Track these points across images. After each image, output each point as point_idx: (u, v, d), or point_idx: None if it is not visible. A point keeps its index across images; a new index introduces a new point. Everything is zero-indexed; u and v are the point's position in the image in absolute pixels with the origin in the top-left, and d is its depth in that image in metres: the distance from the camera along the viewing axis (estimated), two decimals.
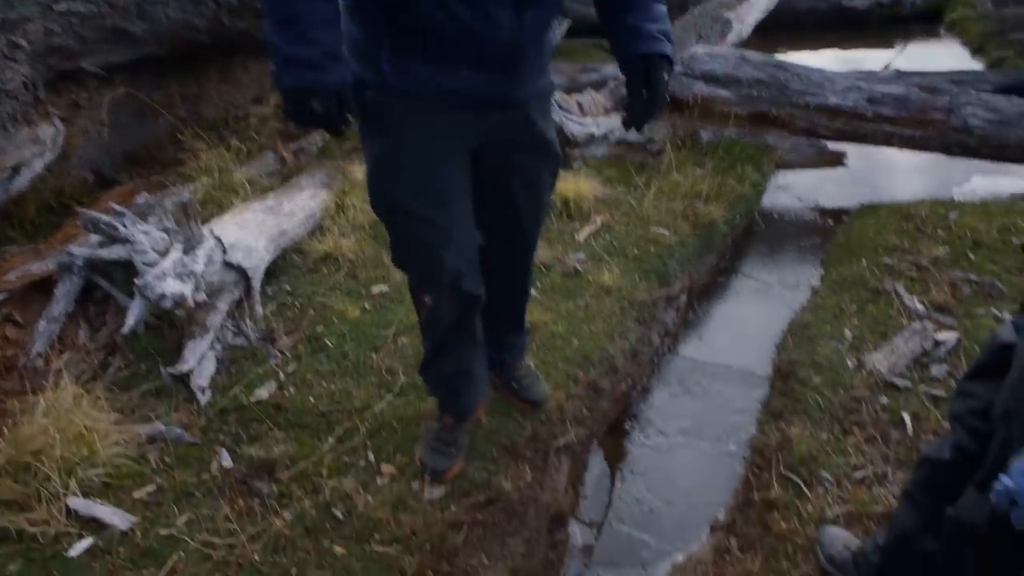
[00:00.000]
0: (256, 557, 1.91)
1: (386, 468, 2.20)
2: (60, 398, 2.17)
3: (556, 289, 3.04)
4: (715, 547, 2.24)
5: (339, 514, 2.04)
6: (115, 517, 1.98)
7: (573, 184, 3.59)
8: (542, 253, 3.21)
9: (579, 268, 3.14)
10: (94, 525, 1.96)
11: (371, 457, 2.21)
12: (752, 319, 3.43)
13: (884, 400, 2.58)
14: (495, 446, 2.33)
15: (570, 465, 2.50)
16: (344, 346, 2.60)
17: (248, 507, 2.04)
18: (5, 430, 2.09)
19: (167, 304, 2.22)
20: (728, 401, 2.98)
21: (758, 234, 4.07)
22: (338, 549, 1.95)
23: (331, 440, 2.24)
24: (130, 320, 2.35)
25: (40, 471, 2.01)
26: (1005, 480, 1.05)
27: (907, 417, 2.49)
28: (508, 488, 2.22)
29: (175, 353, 2.50)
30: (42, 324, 2.42)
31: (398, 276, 2.91)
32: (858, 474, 2.32)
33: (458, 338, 2.07)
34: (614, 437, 2.84)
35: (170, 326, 2.59)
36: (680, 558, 2.37)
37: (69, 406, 2.16)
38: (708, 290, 3.61)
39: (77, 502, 1.99)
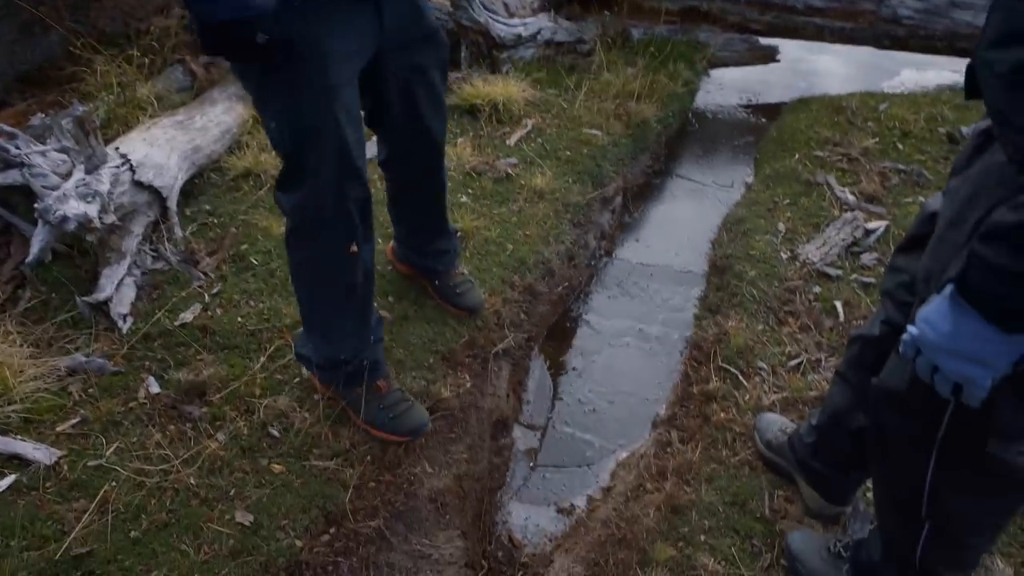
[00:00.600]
0: (192, 480, 1.85)
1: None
2: None
3: (488, 195, 2.97)
4: (657, 440, 2.29)
5: (275, 432, 1.99)
6: (38, 452, 1.88)
7: (502, 88, 3.47)
8: (471, 159, 3.12)
9: (510, 172, 3.07)
10: (16, 462, 1.87)
11: (305, 373, 2.15)
12: (688, 219, 3.43)
13: (817, 290, 2.63)
14: (432, 355, 2.29)
15: (511, 370, 2.50)
16: (270, 263, 2.50)
17: (180, 432, 1.98)
18: None
19: (71, 227, 2.07)
20: (666, 300, 3.01)
21: (692, 134, 4.03)
22: (276, 467, 1.91)
23: (262, 359, 2.17)
24: (34, 248, 2.20)
25: None
26: (911, 329, 1.05)
27: (839, 305, 2.54)
28: (447, 396, 2.20)
29: (91, 282, 2.36)
30: None
31: None
32: (793, 362, 2.38)
33: (357, 283, 1.89)
34: (554, 341, 2.85)
35: (82, 253, 2.43)
36: (623, 455, 2.42)
37: None
38: (643, 192, 3.59)
39: None
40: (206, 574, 1.66)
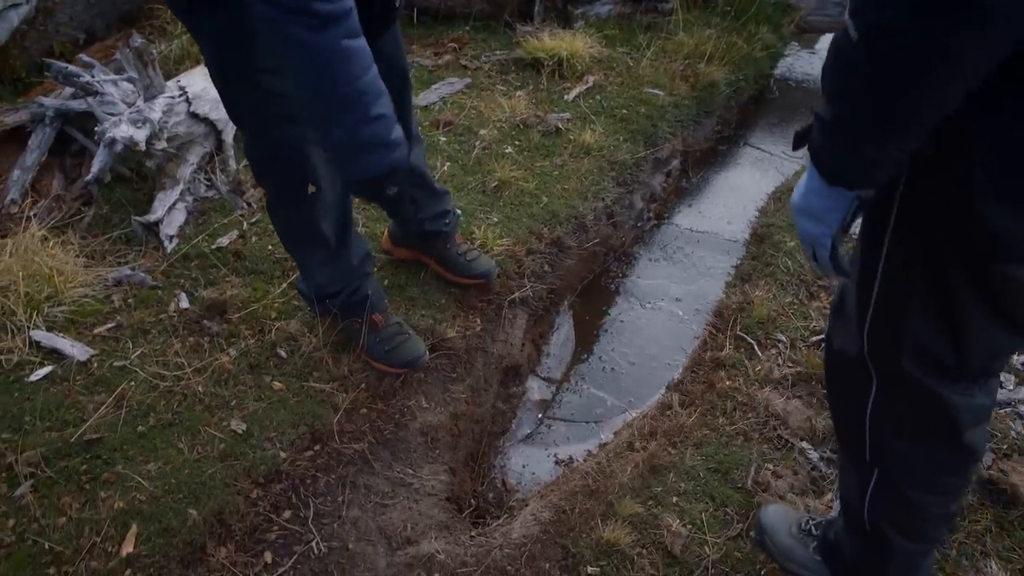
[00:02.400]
0: (199, 388, 2.00)
1: None
2: (28, 241, 2.27)
3: (533, 147, 2.96)
4: (659, 402, 2.26)
5: (283, 353, 2.11)
6: (74, 349, 2.09)
7: (568, 43, 3.43)
8: (524, 112, 3.12)
9: (560, 127, 3.05)
10: (55, 356, 2.08)
11: (315, 310, 2.25)
12: (748, 189, 3.30)
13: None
14: (445, 296, 2.34)
15: (527, 320, 2.52)
16: None
17: (198, 344, 2.13)
18: None
19: (118, 149, 2.25)
20: (709, 268, 2.92)
21: (770, 102, 3.85)
22: (277, 384, 2.03)
23: (283, 286, 2.30)
24: (94, 168, 2.40)
25: (7, 306, 2.12)
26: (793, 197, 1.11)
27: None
28: (453, 336, 2.25)
29: (147, 204, 2.56)
30: (16, 173, 2.50)
31: None
32: (816, 338, 2.27)
33: (349, 221, 1.96)
34: (586, 298, 2.84)
35: (143, 178, 2.64)
36: (632, 415, 2.40)
37: (37, 249, 2.26)
38: (706, 157, 3.47)
39: (40, 335, 2.11)
40: (195, 470, 1.80)
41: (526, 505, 1.97)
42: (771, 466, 1.90)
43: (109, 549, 1.65)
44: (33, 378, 2.00)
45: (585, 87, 3.31)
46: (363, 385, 2.07)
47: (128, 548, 1.64)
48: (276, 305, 2.24)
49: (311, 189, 1.78)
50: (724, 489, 1.85)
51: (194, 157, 2.64)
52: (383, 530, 1.80)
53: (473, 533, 1.87)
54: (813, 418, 2.01)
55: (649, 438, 2.04)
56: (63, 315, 2.18)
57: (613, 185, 2.91)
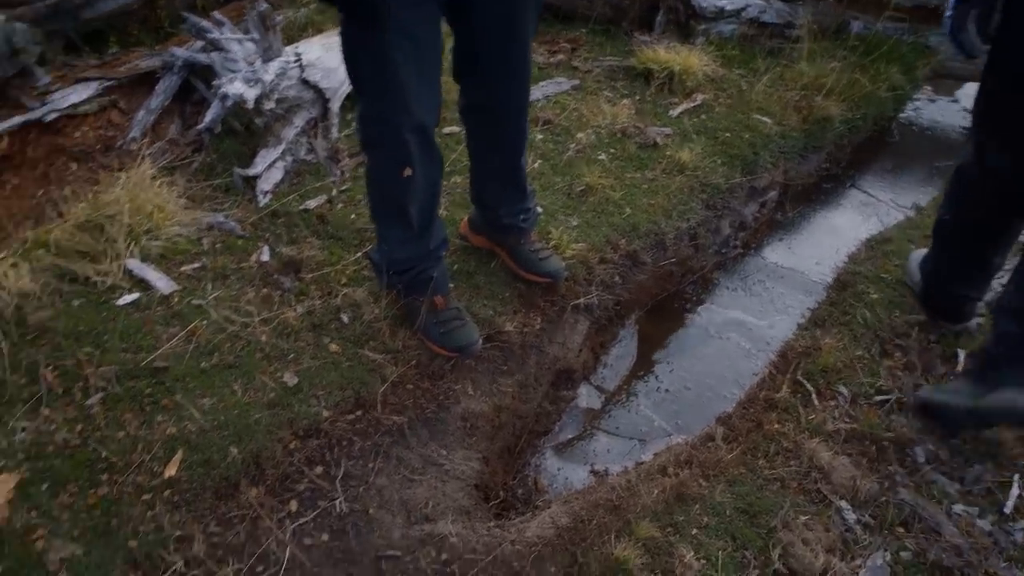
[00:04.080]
0: (263, 338, 2.12)
1: None
2: (139, 178, 2.45)
3: (627, 158, 2.95)
4: (704, 434, 2.21)
5: (345, 318, 2.21)
6: (160, 282, 2.25)
7: (683, 57, 3.39)
8: (625, 121, 3.11)
9: (659, 141, 3.02)
10: (143, 285, 2.24)
11: (381, 282, 2.33)
12: (845, 232, 3.16)
13: (944, 333, 2.35)
14: (510, 290, 2.38)
15: (589, 327, 2.52)
16: None
17: (269, 296, 2.25)
18: (90, 194, 2.39)
19: (229, 103, 2.40)
20: (785, 306, 2.84)
21: (888, 146, 3.68)
22: (334, 347, 2.13)
23: (358, 255, 2.39)
24: (207, 118, 2.57)
25: (110, 233, 2.31)
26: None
27: (961, 354, 2.27)
28: (510, 330, 2.29)
29: (250, 158, 2.71)
30: (141, 113, 2.70)
31: None
32: (880, 398, 2.17)
33: (435, 207, 2.05)
34: (655, 316, 2.81)
35: (251, 134, 2.80)
36: (676, 440, 2.37)
37: (145, 185, 2.44)
38: (807, 193, 3.36)
39: (134, 263, 2.28)
40: (243, 412, 1.91)
41: (549, 507, 1.99)
42: (802, 518, 1.84)
43: (155, 468, 1.78)
44: (120, 302, 2.17)
45: (692, 104, 3.27)
46: (414, 362, 2.13)
47: (171, 471, 1.77)
48: (348, 272, 2.33)
49: (407, 172, 1.86)
50: (747, 531, 1.81)
51: (299, 121, 2.78)
52: (405, 503, 1.86)
53: (491, 524, 1.90)
54: (858, 479, 1.93)
55: (684, 466, 2.02)
56: (157, 249, 2.35)
57: (701, 207, 2.86)
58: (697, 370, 2.64)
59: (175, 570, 1.62)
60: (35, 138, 2.59)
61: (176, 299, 2.21)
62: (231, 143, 2.77)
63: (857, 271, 2.61)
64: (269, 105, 2.53)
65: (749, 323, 2.79)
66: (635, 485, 1.93)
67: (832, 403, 2.17)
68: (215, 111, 2.55)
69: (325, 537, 1.74)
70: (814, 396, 2.19)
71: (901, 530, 1.83)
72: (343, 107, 2.95)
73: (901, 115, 3.81)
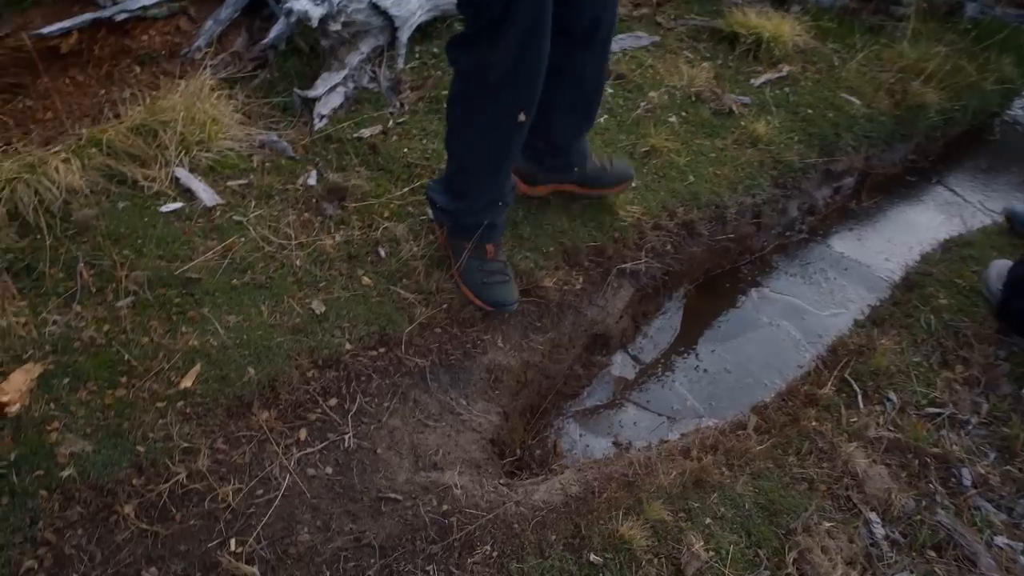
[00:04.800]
0: (297, 262, 2.09)
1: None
2: (198, 87, 2.43)
3: (699, 123, 2.79)
4: (735, 421, 2.11)
5: (382, 252, 2.16)
6: (205, 194, 2.24)
7: (774, 24, 3.17)
8: (702, 84, 2.94)
9: (735, 109, 2.85)
10: (188, 195, 2.23)
11: (432, 215, 2.27)
12: (922, 229, 2.95)
13: (1015, 351, 2.17)
14: (555, 244, 2.29)
15: (633, 294, 2.42)
16: None
17: (310, 221, 2.22)
18: (148, 99, 2.38)
19: (293, 20, 2.34)
20: (845, 299, 2.68)
21: (986, 144, 3.41)
22: (366, 280, 2.08)
23: (404, 190, 2.33)
24: (272, 33, 2.52)
25: (162, 139, 2.30)
26: None
27: None
28: (548, 286, 2.21)
29: (312, 81, 2.66)
30: (209, 23, 2.67)
31: None
32: (932, 410, 2.03)
33: (513, 152, 1.95)
34: (705, 292, 2.69)
35: (316, 56, 2.74)
36: (706, 423, 2.27)
37: (203, 96, 2.41)
38: (888, 184, 3.14)
39: (182, 172, 2.27)
40: (266, 334, 1.89)
41: (562, 473, 1.93)
42: (826, 524, 1.74)
43: (172, 378, 1.77)
44: (163, 209, 2.17)
45: (776, 75, 3.07)
46: (445, 305, 2.07)
47: (187, 383, 1.77)
48: (391, 206, 2.28)
49: (521, 118, 1.80)
50: (764, 529, 1.71)
51: (366, 47, 2.70)
52: (415, 447, 1.82)
53: (500, 482, 1.85)
54: (894, 492, 1.81)
55: (708, 451, 1.92)
56: (206, 161, 2.33)
57: (770, 184, 2.70)
58: (741, 354, 2.52)
59: (177, 480, 1.62)
60: (103, 37, 2.59)
61: (218, 213, 2.20)
62: (295, 63, 2.72)
63: (929, 272, 2.43)
64: (335, 27, 2.46)
65: (804, 312, 2.64)
66: (654, 463, 1.85)
67: (878, 408, 2.03)
68: (280, 27, 2.50)
69: (329, 470, 1.72)
70: (860, 398, 2.06)
71: (932, 554, 1.71)
72: (412, 38, 2.87)
73: (1007, 112, 3.51)
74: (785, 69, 3.09)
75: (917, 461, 1.91)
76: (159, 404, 1.73)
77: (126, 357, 1.80)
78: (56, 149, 2.16)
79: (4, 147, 2.17)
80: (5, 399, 1.67)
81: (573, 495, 1.77)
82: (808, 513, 1.75)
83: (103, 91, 2.45)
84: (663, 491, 1.77)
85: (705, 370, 2.48)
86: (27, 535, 1.52)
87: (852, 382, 2.10)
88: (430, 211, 2.17)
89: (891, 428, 1.98)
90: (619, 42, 3.14)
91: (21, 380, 1.72)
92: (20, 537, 1.51)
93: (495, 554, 1.60)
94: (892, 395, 2.06)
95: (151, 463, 1.64)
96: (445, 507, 1.68)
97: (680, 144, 2.67)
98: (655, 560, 1.62)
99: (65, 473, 1.59)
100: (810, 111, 2.93)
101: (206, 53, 2.64)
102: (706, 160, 2.66)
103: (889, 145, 3.05)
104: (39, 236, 2.02)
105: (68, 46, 2.49)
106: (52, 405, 1.70)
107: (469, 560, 1.59)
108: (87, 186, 2.14)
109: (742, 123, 2.81)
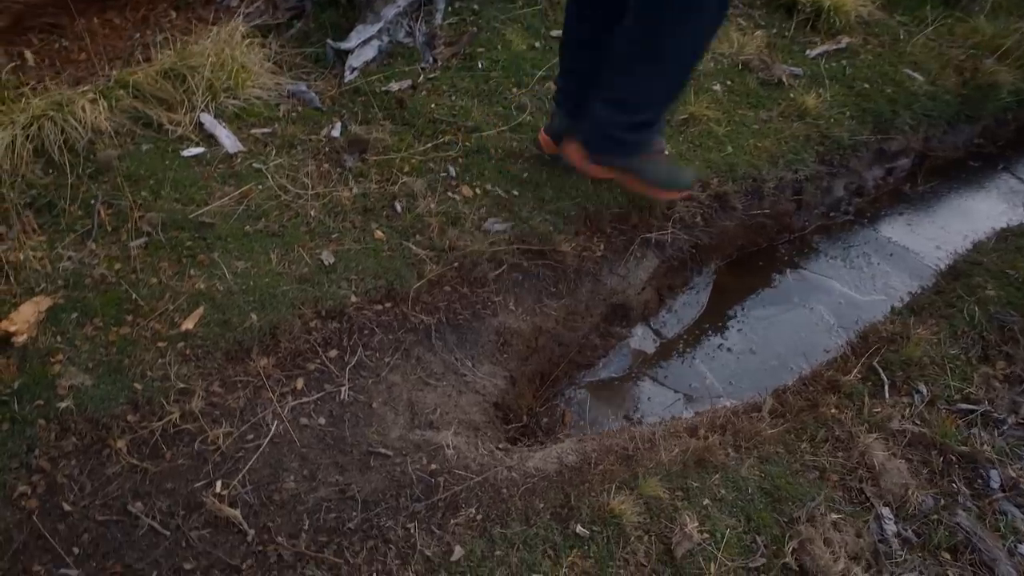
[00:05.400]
0: (311, 212, 2.07)
1: (465, 189, 2.20)
2: (229, 34, 2.41)
3: (744, 93, 2.66)
4: (750, 403, 2.02)
5: (398, 207, 2.12)
6: (228, 140, 2.23)
7: None
8: (751, 53, 2.80)
9: (784, 81, 2.70)
10: (210, 140, 2.23)
11: (453, 172, 2.22)
12: (979, 218, 2.77)
13: None
14: (577, 207, 2.21)
15: (657, 265, 2.33)
16: (492, 72, 2.55)
17: (329, 172, 2.19)
18: (179, 43, 2.38)
19: None
20: (886, 286, 2.53)
21: None
22: (379, 233, 2.05)
23: (427, 145, 2.28)
24: None
25: (190, 84, 2.29)
26: None
27: None
28: (566, 250, 2.14)
29: (347, 33, 2.62)
30: None
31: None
32: (964, 406, 1.90)
33: None
34: (738, 269, 2.58)
35: (353, 8, 2.70)
36: (723, 403, 2.18)
37: (234, 43, 2.40)
38: (948, 168, 2.95)
39: (206, 118, 2.27)
40: (273, 282, 1.88)
41: (563, 442, 1.87)
42: (833, 516, 1.64)
43: (175, 319, 1.78)
44: (185, 153, 2.17)
45: (835, 46, 2.89)
46: (456, 264, 2.03)
47: (189, 325, 1.77)
48: (412, 161, 2.23)
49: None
50: (765, 515, 1.63)
51: (403, 1, 2.65)
52: (413, 404, 1.79)
53: (498, 446, 1.81)
54: (912, 488, 1.70)
55: (717, 430, 1.84)
56: (232, 108, 2.32)
57: (814, 160, 2.55)
58: (769, 335, 2.41)
59: (171, 420, 1.62)
60: None
61: (238, 159, 2.19)
62: (332, 14, 2.69)
63: (979, 261, 2.27)
64: None
65: (841, 296, 2.51)
66: (656, 439, 1.78)
67: (905, 400, 1.91)
68: None
69: (322, 421, 1.70)
70: (886, 388, 1.94)
71: (947, 555, 1.61)
72: None
73: None
74: (844, 41, 2.91)
75: (942, 458, 1.79)
76: (160, 344, 1.73)
77: (133, 296, 1.81)
78: (84, 89, 2.18)
79: (35, 85, 2.20)
80: (13, 329, 1.70)
81: (568, 465, 1.72)
82: (815, 503, 1.66)
83: (137, 34, 2.46)
84: (662, 468, 1.70)
85: (729, 349, 2.38)
86: (23, 461, 1.55)
87: (880, 371, 1.98)
88: (610, 161, 2.15)
89: (917, 422, 1.86)
90: None
91: (30, 312, 1.75)
92: (16, 463, 1.54)
93: (479, 517, 1.56)
94: (922, 387, 1.93)
95: (147, 401, 1.65)
96: (434, 466, 1.65)
97: (721, 113, 2.55)
98: (644, 537, 1.56)
99: (63, 404, 1.61)
100: (867, 85, 2.76)
101: (241, 1, 2.63)
102: (747, 131, 2.53)
103: (952, 126, 2.86)
104: (62, 174, 2.04)
105: None
106: (58, 338, 1.72)
107: (452, 521, 1.55)
108: (112, 127, 2.16)
109: (791, 95, 2.67)
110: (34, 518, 1.48)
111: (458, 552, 1.49)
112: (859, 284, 2.56)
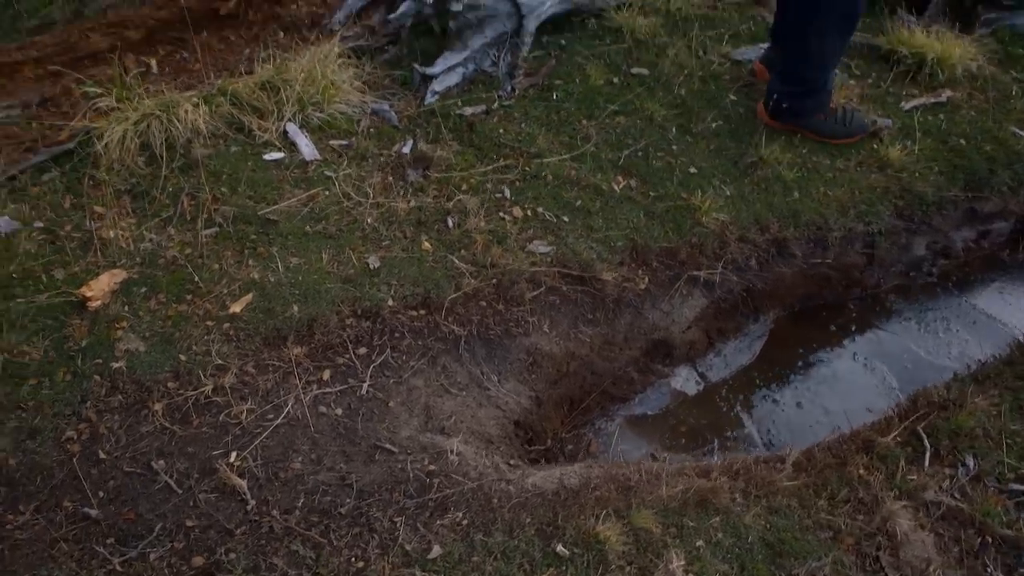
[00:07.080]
0: (368, 220, 2.20)
1: (516, 210, 2.27)
2: (324, 53, 2.61)
3: (822, 140, 2.58)
4: (776, 455, 1.94)
5: (449, 222, 2.21)
6: (307, 149, 2.41)
7: (944, 45, 2.85)
8: (840, 99, 2.71)
9: (871, 130, 2.60)
10: (291, 147, 2.42)
11: (508, 193, 2.29)
12: None
13: None
14: (625, 239, 2.22)
15: (705, 306, 2.29)
16: (564, 103, 2.61)
17: (391, 185, 2.32)
18: (278, 59, 2.61)
19: None
20: (962, 354, 2.37)
21: None
22: (427, 245, 2.15)
23: (487, 168, 2.36)
24: (400, 10, 2.66)
25: (283, 95, 2.50)
26: None
27: None
28: (607, 279, 2.15)
29: (434, 58, 2.78)
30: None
31: (665, 64, 2.76)
32: (1018, 487, 1.74)
33: None
34: (797, 320, 2.49)
35: (445, 37, 2.85)
36: (755, 454, 2.10)
37: (328, 62, 2.60)
38: None
39: (291, 127, 2.46)
40: (319, 279, 2.01)
41: (570, 464, 1.87)
42: (845, 571, 1.55)
43: (226, 302, 1.94)
44: (266, 157, 2.36)
45: (933, 100, 2.76)
46: (495, 280, 2.09)
47: (236, 308, 1.92)
48: (471, 180, 2.32)
49: None
50: (762, 567, 1.56)
51: (491, 32, 2.77)
52: (429, 409, 1.85)
53: (510, 462, 1.84)
54: (935, 565, 1.58)
55: (729, 476, 1.78)
56: (317, 119, 2.51)
57: (890, 214, 2.44)
58: (820, 391, 2.31)
59: (203, 391, 1.77)
60: (258, 3, 2.87)
61: (313, 166, 2.36)
62: (425, 42, 2.85)
63: None
64: (456, 7, 2.55)
65: (908, 361, 2.37)
66: (660, 474, 1.74)
67: (947, 471, 1.78)
68: (406, 6, 2.64)
69: (339, 411, 1.79)
70: (927, 455, 1.81)
71: None
72: (543, 29, 2.90)
73: None
74: (945, 95, 2.77)
75: (979, 539, 1.65)
76: (208, 323, 1.89)
77: (196, 278, 1.99)
78: (191, 94, 2.43)
79: (153, 89, 2.47)
80: (90, 295, 1.91)
81: (568, 487, 1.72)
82: (821, 563, 1.57)
83: (247, 50, 2.71)
84: (660, 502, 1.66)
85: (775, 400, 2.30)
86: (75, 410, 1.73)
87: (924, 436, 1.85)
88: (786, 120, 2.57)
89: (956, 495, 1.72)
90: (758, 50, 2.97)
91: (107, 282, 1.96)
92: (69, 410, 1.72)
93: (464, 522, 1.59)
94: (969, 460, 1.79)
95: (187, 372, 1.80)
96: (433, 468, 1.70)
97: (793, 158, 2.49)
98: (626, 568, 1.53)
99: (117, 365, 1.79)
100: (963, 141, 2.61)
101: (345, 25, 2.85)
102: (819, 178, 2.46)
103: None
104: (159, 166, 2.28)
105: (226, 9, 2.79)
106: (126, 308, 1.92)
107: (438, 521, 1.59)
108: (209, 129, 2.38)
109: (873, 145, 2.57)
110: (74, 460, 1.65)
111: (436, 551, 1.53)
112: (932, 350, 2.40)
